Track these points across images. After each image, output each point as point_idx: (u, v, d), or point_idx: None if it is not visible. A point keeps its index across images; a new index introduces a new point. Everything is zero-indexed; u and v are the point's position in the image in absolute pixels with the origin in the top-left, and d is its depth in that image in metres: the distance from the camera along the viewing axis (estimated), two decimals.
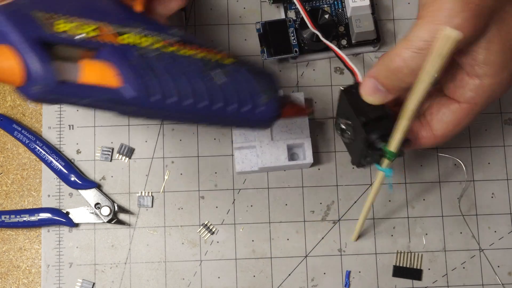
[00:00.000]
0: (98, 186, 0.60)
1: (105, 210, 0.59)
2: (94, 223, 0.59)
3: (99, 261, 0.59)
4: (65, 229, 0.59)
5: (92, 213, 0.59)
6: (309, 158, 0.58)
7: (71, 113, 0.61)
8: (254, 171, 0.59)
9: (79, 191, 0.59)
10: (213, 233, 0.60)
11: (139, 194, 0.60)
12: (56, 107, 0.61)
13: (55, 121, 0.61)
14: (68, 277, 0.59)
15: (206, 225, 0.60)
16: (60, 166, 0.59)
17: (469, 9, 0.40)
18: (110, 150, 0.61)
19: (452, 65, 0.45)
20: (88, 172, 0.60)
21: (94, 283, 0.59)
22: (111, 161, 0.60)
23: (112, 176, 0.60)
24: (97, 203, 0.59)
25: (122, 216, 0.60)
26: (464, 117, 0.46)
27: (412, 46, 0.41)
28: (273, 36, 0.60)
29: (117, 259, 0.59)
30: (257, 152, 0.58)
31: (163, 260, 0.59)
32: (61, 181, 0.60)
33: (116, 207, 0.59)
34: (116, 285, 0.59)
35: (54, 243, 0.59)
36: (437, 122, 0.47)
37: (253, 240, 0.60)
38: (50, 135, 0.61)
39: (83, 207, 0.59)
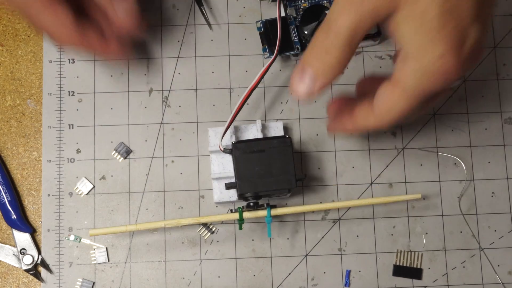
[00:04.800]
0: (32, 233, 0.59)
1: (28, 259, 0.58)
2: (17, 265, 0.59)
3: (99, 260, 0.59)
4: (65, 229, 0.59)
5: (15, 255, 0.59)
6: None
7: (71, 112, 0.61)
8: (233, 201, 0.59)
9: (13, 230, 0.59)
10: (213, 232, 0.60)
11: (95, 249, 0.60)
12: (56, 106, 0.61)
13: (55, 120, 0.61)
14: (68, 276, 0.59)
15: (206, 224, 0.60)
16: (5, 200, 0.59)
17: None
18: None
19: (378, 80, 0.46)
20: (88, 172, 0.60)
21: (94, 283, 0.59)
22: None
23: (112, 176, 0.60)
24: (23, 249, 0.59)
25: (42, 270, 0.59)
26: (398, 100, 0.45)
27: (330, 33, 0.42)
28: (274, 34, 0.60)
29: (117, 259, 0.59)
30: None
31: (163, 260, 0.59)
32: (61, 181, 0.60)
33: (39, 260, 0.59)
34: (116, 284, 0.59)
35: (54, 243, 0.59)
36: (376, 103, 0.46)
37: (253, 240, 0.60)
38: (50, 135, 0.61)
39: (9, 246, 0.59)
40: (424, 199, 0.61)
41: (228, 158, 0.57)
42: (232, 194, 0.57)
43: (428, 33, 0.41)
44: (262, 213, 0.55)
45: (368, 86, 0.50)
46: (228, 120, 0.55)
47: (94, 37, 0.52)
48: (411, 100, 0.44)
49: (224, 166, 0.58)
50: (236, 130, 0.58)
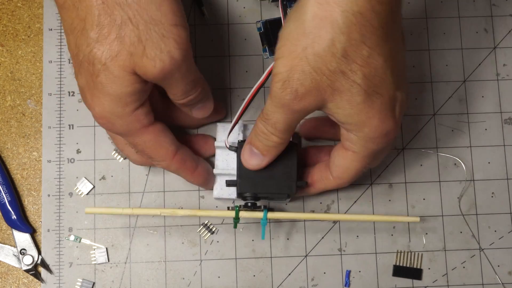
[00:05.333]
0: (32, 233, 0.59)
1: (28, 259, 0.58)
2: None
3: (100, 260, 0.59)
4: (65, 230, 0.59)
5: (15, 255, 0.59)
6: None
7: (71, 113, 0.61)
8: (232, 198, 0.59)
9: (13, 230, 0.59)
10: (213, 232, 0.60)
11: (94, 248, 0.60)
12: (56, 107, 0.61)
13: (55, 121, 0.61)
14: (68, 276, 0.59)
15: (206, 224, 0.60)
16: (5, 200, 0.59)
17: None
18: None
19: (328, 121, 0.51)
20: (88, 172, 0.60)
21: (94, 283, 0.59)
22: None
23: (112, 176, 0.60)
24: (23, 249, 0.59)
25: (42, 270, 0.59)
26: (351, 162, 0.51)
27: (266, 121, 0.49)
28: (274, 34, 0.60)
29: (117, 259, 0.59)
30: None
31: (163, 260, 0.59)
32: (61, 181, 0.60)
33: (39, 260, 0.59)
34: (116, 284, 0.59)
35: (54, 243, 0.59)
36: (332, 166, 0.53)
37: (253, 240, 0.60)
38: (50, 135, 0.61)
39: (9, 246, 0.59)
40: (424, 199, 0.61)
41: (233, 156, 0.57)
42: (232, 192, 0.57)
43: (360, 113, 0.46)
44: (259, 214, 0.55)
45: (314, 155, 0.58)
46: (236, 116, 0.54)
47: (203, 175, 0.57)
48: (362, 160, 0.50)
49: (228, 163, 0.57)
50: (245, 128, 0.58)
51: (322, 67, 0.45)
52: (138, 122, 0.50)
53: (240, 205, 0.55)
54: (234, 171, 0.55)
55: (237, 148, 0.55)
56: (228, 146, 0.56)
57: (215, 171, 0.57)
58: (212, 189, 0.58)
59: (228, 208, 0.56)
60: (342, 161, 0.51)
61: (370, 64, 0.45)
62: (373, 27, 0.44)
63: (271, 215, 0.55)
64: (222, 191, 0.58)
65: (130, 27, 0.45)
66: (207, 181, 0.57)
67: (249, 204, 0.55)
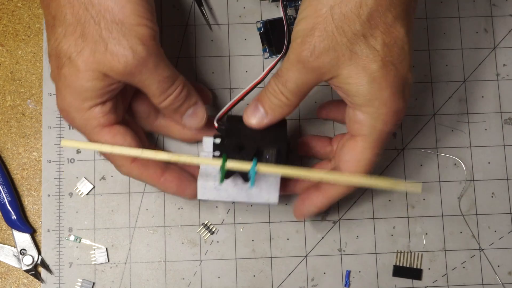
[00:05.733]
0: (32, 233, 0.59)
1: (28, 259, 0.58)
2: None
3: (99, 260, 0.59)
4: (65, 230, 0.59)
5: (15, 255, 0.59)
6: (273, 197, 0.54)
7: None
8: (218, 200, 0.54)
9: (13, 230, 0.59)
10: (213, 233, 0.60)
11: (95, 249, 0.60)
12: (56, 107, 0.61)
13: (55, 121, 0.61)
14: (68, 277, 0.59)
15: (206, 225, 0.60)
16: (5, 200, 0.59)
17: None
18: None
19: (342, 103, 0.51)
20: (88, 172, 0.60)
21: (94, 283, 0.59)
22: None
23: (112, 176, 0.60)
24: (23, 249, 0.59)
25: (42, 270, 0.59)
26: (362, 151, 0.50)
27: (283, 86, 0.49)
28: (274, 34, 0.60)
29: (117, 259, 0.59)
30: (215, 185, 0.53)
31: (163, 260, 0.59)
32: (61, 181, 0.60)
33: (39, 260, 0.59)
34: (116, 285, 0.59)
35: (54, 243, 0.59)
36: (341, 162, 0.51)
37: (253, 240, 0.60)
38: (50, 135, 0.61)
39: (9, 246, 0.59)
40: (424, 199, 0.61)
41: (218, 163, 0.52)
42: (219, 194, 0.53)
43: (373, 82, 0.47)
44: (247, 166, 0.50)
45: (314, 144, 0.57)
46: (230, 102, 0.54)
47: (173, 181, 0.54)
48: (373, 146, 0.49)
49: (214, 168, 0.53)
50: None
51: (346, 27, 0.45)
52: (94, 119, 0.50)
53: (226, 155, 0.50)
54: (219, 174, 0.52)
55: (225, 124, 0.53)
56: (216, 126, 0.54)
57: (199, 175, 0.53)
58: (191, 197, 0.55)
59: (214, 157, 0.53)
60: (352, 153, 0.50)
61: (392, 33, 0.46)
62: None
63: (261, 168, 0.50)
64: (206, 191, 0.53)
65: (93, 26, 0.47)
66: (181, 188, 0.55)
67: (238, 148, 0.51)
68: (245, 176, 0.52)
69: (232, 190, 0.53)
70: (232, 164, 0.50)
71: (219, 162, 0.50)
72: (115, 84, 0.50)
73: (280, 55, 0.58)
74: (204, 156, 0.53)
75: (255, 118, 0.52)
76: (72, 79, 0.48)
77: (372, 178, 0.50)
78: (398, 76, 0.47)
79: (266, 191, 0.53)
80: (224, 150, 0.52)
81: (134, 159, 0.53)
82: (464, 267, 0.60)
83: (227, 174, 0.51)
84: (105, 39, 0.47)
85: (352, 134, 0.50)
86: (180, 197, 0.57)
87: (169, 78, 0.51)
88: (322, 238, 0.60)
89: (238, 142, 0.51)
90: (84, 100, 0.50)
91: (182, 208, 0.60)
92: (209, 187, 0.53)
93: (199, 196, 0.54)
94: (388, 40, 0.46)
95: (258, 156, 0.51)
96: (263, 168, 0.50)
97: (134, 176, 0.54)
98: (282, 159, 0.51)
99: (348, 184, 0.51)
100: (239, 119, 0.53)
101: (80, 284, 0.59)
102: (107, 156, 0.54)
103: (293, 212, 0.56)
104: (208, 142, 0.53)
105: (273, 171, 0.51)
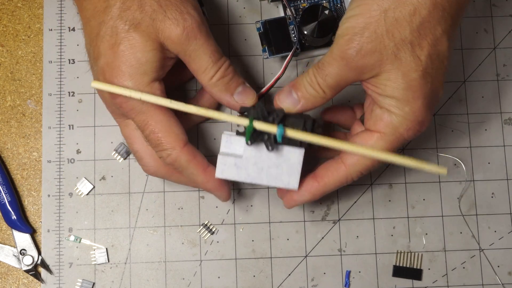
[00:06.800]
0: (32, 233, 0.59)
1: (28, 259, 0.58)
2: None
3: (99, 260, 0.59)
4: (65, 230, 0.59)
5: (15, 255, 0.59)
6: (293, 181, 0.52)
7: (71, 113, 0.61)
8: (235, 180, 0.53)
9: (13, 230, 0.59)
10: (213, 233, 0.60)
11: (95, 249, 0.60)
12: (56, 107, 0.61)
13: (55, 121, 0.61)
14: (68, 277, 0.59)
15: (206, 225, 0.60)
16: (5, 200, 0.59)
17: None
18: None
19: (368, 100, 0.52)
20: (88, 173, 0.60)
21: (94, 283, 0.59)
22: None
23: (112, 176, 0.60)
24: (23, 249, 0.59)
25: (42, 270, 0.59)
26: (373, 144, 0.50)
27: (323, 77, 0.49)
28: (274, 34, 0.60)
29: (117, 259, 0.59)
30: (236, 163, 0.52)
31: (163, 260, 0.59)
32: (61, 181, 0.60)
33: (39, 260, 0.59)
34: (116, 285, 0.59)
35: (54, 243, 0.59)
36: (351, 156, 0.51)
37: (253, 240, 0.60)
38: (50, 135, 0.61)
39: (9, 246, 0.59)
40: (424, 199, 0.61)
41: (240, 141, 0.52)
42: (237, 173, 0.52)
43: (409, 89, 0.47)
44: (273, 128, 0.50)
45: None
46: (266, 86, 0.56)
47: (199, 161, 0.53)
48: (387, 144, 0.49)
49: (234, 146, 0.52)
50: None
51: (395, 32, 0.46)
52: (155, 92, 0.51)
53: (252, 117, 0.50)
54: (240, 153, 0.52)
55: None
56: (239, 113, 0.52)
57: (220, 153, 0.52)
58: (225, 197, 0.54)
59: (241, 115, 0.52)
60: (363, 143, 0.50)
61: (438, 45, 0.47)
62: (450, 14, 0.47)
63: (288, 132, 0.50)
64: (226, 167, 0.52)
65: None
66: (221, 185, 0.53)
67: (266, 113, 0.50)
68: (269, 144, 0.51)
69: (252, 169, 0.52)
70: (259, 125, 0.50)
71: (246, 121, 0.50)
72: (170, 60, 0.51)
73: (293, 49, 0.58)
74: (229, 135, 0.52)
75: (287, 103, 0.51)
76: (132, 52, 0.50)
77: (402, 156, 0.50)
78: (432, 89, 0.48)
79: (287, 174, 0.52)
80: (251, 114, 0.51)
81: (186, 144, 0.52)
82: (464, 267, 0.60)
83: (252, 137, 0.50)
84: (163, 7, 0.50)
85: (369, 129, 0.50)
86: (212, 194, 0.55)
87: (219, 51, 0.53)
88: (322, 238, 0.60)
89: (266, 107, 0.51)
90: (144, 73, 0.50)
91: (182, 208, 0.60)
92: (229, 163, 0.51)
93: (218, 174, 0.52)
94: (433, 52, 0.47)
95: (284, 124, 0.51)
96: (290, 132, 0.50)
97: (182, 163, 0.52)
98: (308, 130, 0.51)
99: (377, 158, 0.50)
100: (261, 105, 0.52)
101: (80, 284, 0.59)
102: (157, 135, 0.51)
103: (283, 201, 0.54)
104: (226, 138, 0.52)
105: (300, 137, 0.50)
